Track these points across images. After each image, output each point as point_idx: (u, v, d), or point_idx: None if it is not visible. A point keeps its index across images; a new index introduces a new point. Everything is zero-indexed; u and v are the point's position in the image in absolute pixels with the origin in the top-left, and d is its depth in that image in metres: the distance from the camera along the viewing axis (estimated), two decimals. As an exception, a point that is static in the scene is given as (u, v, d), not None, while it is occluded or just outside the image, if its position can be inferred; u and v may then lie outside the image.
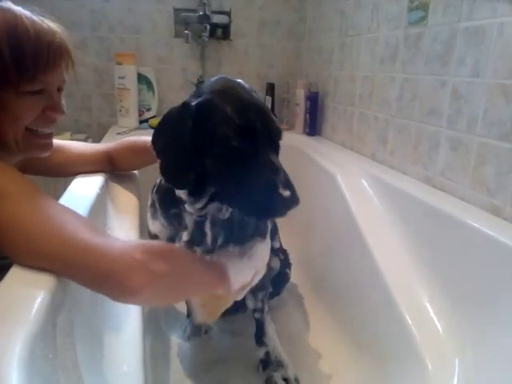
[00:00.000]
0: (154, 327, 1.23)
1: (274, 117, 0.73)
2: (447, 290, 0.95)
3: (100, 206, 0.96)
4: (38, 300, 0.51)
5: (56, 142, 0.97)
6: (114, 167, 1.11)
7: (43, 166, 0.95)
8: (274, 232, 1.27)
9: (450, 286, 0.95)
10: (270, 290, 1.15)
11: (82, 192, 0.94)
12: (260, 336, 1.11)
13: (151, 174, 1.41)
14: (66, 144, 1.03)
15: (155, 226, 0.91)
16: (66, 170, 1.03)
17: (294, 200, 0.67)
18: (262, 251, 0.86)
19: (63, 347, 0.55)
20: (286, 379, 1.08)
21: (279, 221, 1.31)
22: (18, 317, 0.47)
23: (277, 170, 0.68)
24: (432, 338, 0.89)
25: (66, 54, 0.78)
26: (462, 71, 1.05)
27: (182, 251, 0.74)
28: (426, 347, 0.87)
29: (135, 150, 1.09)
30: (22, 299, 0.51)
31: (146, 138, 1.10)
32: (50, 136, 0.83)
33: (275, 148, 0.73)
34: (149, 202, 0.94)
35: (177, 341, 1.23)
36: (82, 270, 0.57)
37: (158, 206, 0.90)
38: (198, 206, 0.78)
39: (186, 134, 0.71)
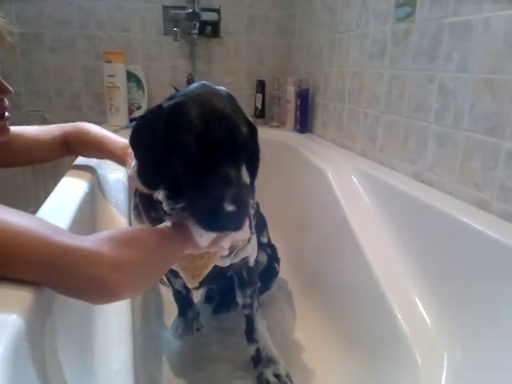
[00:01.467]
0: (145, 325, 1.23)
1: (243, 129, 0.71)
2: (436, 284, 0.96)
3: (87, 207, 0.95)
4: (24, 300, 0.51)
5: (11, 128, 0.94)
6: (70, 152, 1.09)
7: (5, 156, 0.91)
8: (262, 227, 1.27)
9: (438, 281, 0.96)
10: (259, 285, 1.15)
11: (68, 193, 0.93)
12: (250, 332, 1.12)
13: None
14: (17, 129, 0.98)
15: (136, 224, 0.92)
16: (21, 157, 1.00)
17: (239, 217, 0.68)
18: None
19: (50, 347, 0.55)
20: (277, 375, 1.08)
21: (269, 217, 1.31)
22: (2, 317, 0.47)
23: (229, 183, 0.68)
24: (421, 332, 0.90)
25: None
26: (449, 66, 1.06)
27: (145, 230, 0.73)
28: (416, 342, 0.88)
29: (88, 143, 1.08)
30: (7, 298, 0.51)
31: (104, 133, 1.08)
32: (6, 118, 0.78)
33: (236, 161, 0.71)
34: (132, 205, 0.94)
35: (168, 338, 1.23)
36: (61, 276, 0.54)
37: (141, 208, 0.90)
38: (175, 207, 0.78)
39: (156, 135, 0.72)
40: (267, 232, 1.33)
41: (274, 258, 1.36)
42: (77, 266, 0.54)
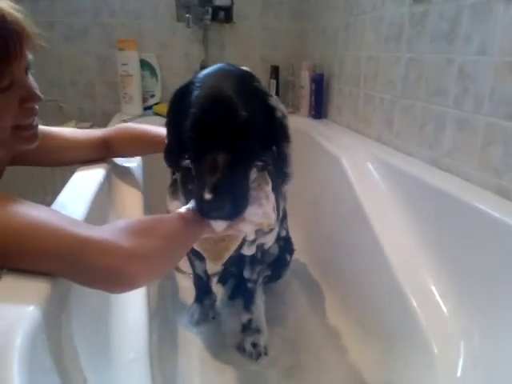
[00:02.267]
0: (161, 313, 1.24)
1: (241, 113, 0.68)
2: (453, 272, 0.94)
3: (103, 197, 0.96)
4: (41, 291, 0.52)
5: (47, 128, 0.96)
6: (110, 153, 1.09)
7: (35, 155, 0.92)
8: (282, 219, 1.27)
9: (455, 269, 0.94)
10: (267, 270, 1.18)
11: (83, 183, 0.94)
12: (248, 303, 1.15)
13: (155, 164, 1.42)
14: (57, 130, 1.00)
15: (174, 205, 0.93)
16: (60, 157, 1.00)
17: (218, 206, 0.66)
18: None
19: (67, 336, 0.56)
20: (255, 344, 1.13)
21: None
22: (20, 308, 0.48)
23: (213, 171, 0.67)
24: (437, 320, 0.89)
25: (27, 38, 0.71)
26: (469, 49, 1.03)
27: (161, 219, 0.73)
28: (432, 330, 0.87)
29: (132, 137, 1.08)
30: (24, 290, 0.52)
31: (146, 126, 1.10)
32: (35, 126, 0.79)
33: (228, 146, 0.69)
34: (169, 182, 0.96)
35: (184, 326, 1.24)
36: (78, 267, 0.56)
37: (179, 182, 0.91)
38: None
39: (171, 114, 0.75)
40: (286, 223, 1.32)
41: (286, 249, 1.36)
42: (93, 257, 0.55)
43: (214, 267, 1.29)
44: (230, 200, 0.68)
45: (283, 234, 1.31)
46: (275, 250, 1.30)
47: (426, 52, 1.19)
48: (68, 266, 0.56)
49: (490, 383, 0.75)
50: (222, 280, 1.41)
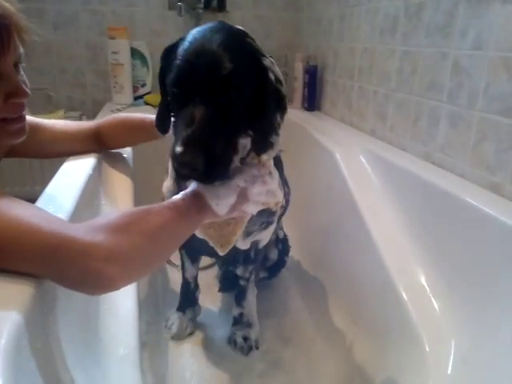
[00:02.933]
0: (151, 306, 1.23)
1: (226, 65, 0.64)
2: (445, 269, 0.94)
3: (92, 187, 0.94)
4: (24, 291, 0.51)
5: (38, 120, 0.94)
6: (102, 144, 1.07)
7: (27, 148, 0.90)
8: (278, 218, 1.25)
9: (447, 265, 0.94)
10: (263, 272, 1.16)
11: (73, 173, 0.92)
12: (240, 298, 1.14)
13: (145, 154, 1.40)
14: (49, 122, 0.98)
15: (166, 183, 0.91)
16: (51, 148, 0.98)
17: (188, 160, 0.62)
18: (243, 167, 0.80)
19: (54, 335, 0.55)
20: (246, 338, 1.12)
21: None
22: (3, 310, 0.46)
23: (190, 123, 0.63)
24: (429, 317, 0.89)
25: (16, 31, 0.69)
26: (464, 43, 1.02)
27: (147, 210, 0.69)
28: (423, 327, 0.87)
29: (127, 127, 1.06)
30: (8, 291, 0.50)
31: (140, 114, 1.07)
32: (22, 119, 0.76)
33: (208, 99, 0.65)
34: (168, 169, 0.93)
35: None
36: (55, 269, 0.54)
37: (170, 159, 0.90)
38: None
39: (160, 75, 0.73)
40: (281, 221, 1.31)
41: (284, 251, 1.35)
42: (70, 260, 0.53)
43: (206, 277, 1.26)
44: (202, 156, 0.63)
45: (281, 235, 1.30)
46: (274, 256, 1.29)
47: (421, 45, 1.18)
48: (45, 267, 0.54)
49: (480, 381, 0.76)
50: (224, 288, 1.34)
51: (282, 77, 0.74)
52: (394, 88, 1.33)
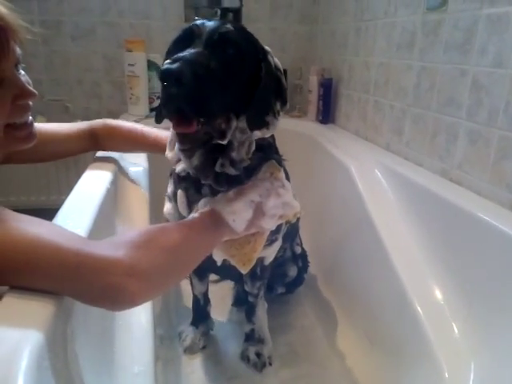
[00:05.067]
0: (165, 321, 1.23)
1: (227, 26, 0.71)
2: (463, 289, 0.93)
3: (110, 202, 0.95)
4: (45, 310, 0.51)
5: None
6: (98, 145, 1.07)
7: (20, 153, 0.86)
8: (295, 233, 1.24)
9: (465, 285, 0.93)
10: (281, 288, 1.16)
11: (91, 187, 0.93)
12: (250, 314, 1.13)
13: (162, 168, 1.40)
14: (38, 125, 0.97)
15: (166, 207, 0.92)
16: (44, 151, 0.98)
17: (172, 66, 0.62)
18: (254, 182, 0.82)
19: (72, 355, 0.55)
20: (258, 354, 1.11)
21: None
22: (24, 329, 0.46)
23: (185, 53, 0.65)
24: (447, 338, 0.87)
25: (14, 32, 0.67)
26: (484, 61, 1.01)
27: (165, 229, 0.70)
28: (441, 348, 0.85)
29: (121, 133, 1.06)
30: (27, 310, 0.50)
31: (130, 124, 1.09)
32: (30, 125, 0.75)
33: (209, 47, 0.68)
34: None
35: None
36: (76, 285, 0.54)
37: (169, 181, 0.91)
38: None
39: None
40: (299, 237, 1.30)
41: (304, 267, 1.34)
42: (90, 276, 0.54)
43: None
44: (190, 71, 0.63)
45: (298, 251, 1.29)
46: (294, 272, 1.28)
47: (439, 61, 1.17)
48: (66, 284, 0.54)
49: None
50: (237, 303, 1.34)
51: (281, 68, 0.79)
52: (410, 103, 1.32)
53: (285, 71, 2.10)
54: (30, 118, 0.75)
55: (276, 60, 0.79)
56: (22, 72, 0.72)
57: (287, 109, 0.80)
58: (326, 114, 1.91)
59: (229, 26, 0.71)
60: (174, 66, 0.62)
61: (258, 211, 0.79)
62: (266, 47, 0.78)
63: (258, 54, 0.75)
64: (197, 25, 0.72)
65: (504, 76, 0.95)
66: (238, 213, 0.77)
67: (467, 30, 1.06)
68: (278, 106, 0.77)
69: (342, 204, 1.46)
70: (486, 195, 1.02)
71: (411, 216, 1.15)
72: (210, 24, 0.71)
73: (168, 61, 0.63)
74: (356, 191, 1.32)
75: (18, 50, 0.70)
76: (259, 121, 0.75)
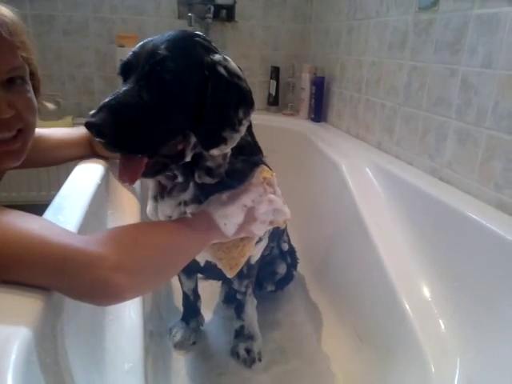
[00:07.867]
0: (155, 317, 1.23)
1: (161, 51, 0.69)
2: (450, 285, 0.94)
3: (100, 197, 0.94)
4: (34, 305, 0.51)
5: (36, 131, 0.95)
6: (95, 152, 1.08)
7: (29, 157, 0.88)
8: (281, 233, 1.25)
9: (452, 282, 0.94)
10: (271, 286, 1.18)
11: (81, 183, 0.93)
12: (239, 312, 1.13)
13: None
14: (45, 132, 1.00)
15: (149, 206, 0.93)
16: (48, 157, 1.00)
17: (91, 119, 0.62)
18: (248, 187, 0.82)
19: (62, 350, 0.55)
20: (248, 350, 1.12)
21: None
22: (14, 324, 0.47)
23: (113, 96, 0.66)
24: (434, 334, 0.88)
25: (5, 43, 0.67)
26: (473, 61, 1.02)
27: (154, 226, 0.70)
28: (428, 344, 0.86)
29: None
30: (18, 304, 0.50)
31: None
32: (15, 140, 0.72)
33: (143, 79, 0.68)
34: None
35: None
36: (63, 280, 0.54)
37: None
38: None
39: None
40: (287, 234, 1.30)
41: (293, 264, 1.35)
42: (77, 270, 0.54)
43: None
44: (112, 121, 0.63)
45: (285, 248, 1.30)
46: (283, 270, 1.29)
47: (430, 61, 1.18)
48: (53, 278, 0.54)
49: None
50: (227, 300, 1.35)
51: (240, 72, 0.76)
52: (401, 102, 1.33)
53: (277, 69, 2.13)
54: (12, 133, 0.72)
55: (232, 65, 0.75)
56: (19, 89, 0.71)
57: (255, 109, 0.77)
58: (318, 111, 1.92)
59: (164, 49, 0.69)
60: (95, 118, 0.63)
61: (250, 216, 0.80)
62: (217, 56, 0.74)
63: (203, 70, 0.72)
64: (142, 46, 0.72)
65: (493, 76, 0.96)
66: (230, 217, 0.77)
67: (458, 30, 1.07)
68: (241, 113, 0.74)
69: (332, 202, 1.47)
70: (474, 194, 1.03)
71: (401, 214, 1.17)
72: (148, 48, 0.70)
73: (93, 111, 0.63)
74: (347, 189, 1.33)
75: (13, 62, 0.69)
76: (213, 139, 0.73)
